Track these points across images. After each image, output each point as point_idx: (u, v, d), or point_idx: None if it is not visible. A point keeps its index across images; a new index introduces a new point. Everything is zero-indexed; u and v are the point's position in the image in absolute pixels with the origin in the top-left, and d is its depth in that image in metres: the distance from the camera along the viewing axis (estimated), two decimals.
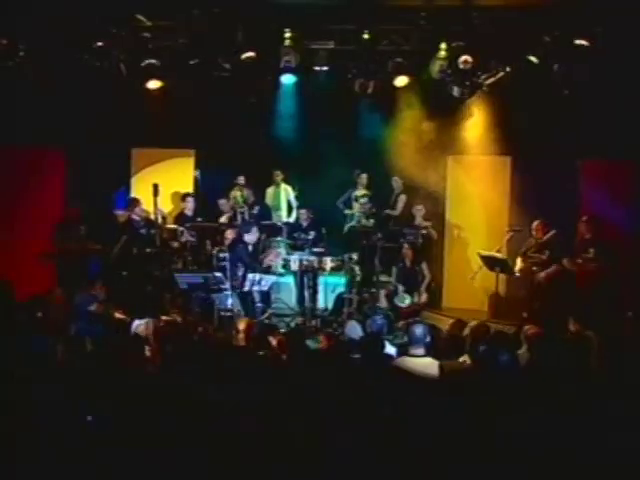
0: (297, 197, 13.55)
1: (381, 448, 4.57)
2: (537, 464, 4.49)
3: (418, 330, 6.68)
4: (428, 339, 6.66)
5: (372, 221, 12.95)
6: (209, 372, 5.88)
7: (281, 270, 12.33)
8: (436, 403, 5.19)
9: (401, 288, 12.25)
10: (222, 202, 13.09)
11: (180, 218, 12.56)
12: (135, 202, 12.21)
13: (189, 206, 12.61)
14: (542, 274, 11.61)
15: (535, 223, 11.75)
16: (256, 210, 13.07)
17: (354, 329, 8.43)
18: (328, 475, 4.48)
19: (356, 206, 13.24)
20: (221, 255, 11.58)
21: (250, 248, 11.70)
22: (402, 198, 13.31)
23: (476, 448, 4.58)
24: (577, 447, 4.60)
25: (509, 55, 11.39)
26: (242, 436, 4.69)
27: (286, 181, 13.62)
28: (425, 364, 6.48)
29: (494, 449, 4.59)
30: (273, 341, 7.69)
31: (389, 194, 13.44)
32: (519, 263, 11.83)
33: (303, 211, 13.22)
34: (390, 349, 7.45)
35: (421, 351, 6.63)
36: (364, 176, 13.29)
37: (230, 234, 11.94)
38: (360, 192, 13.28)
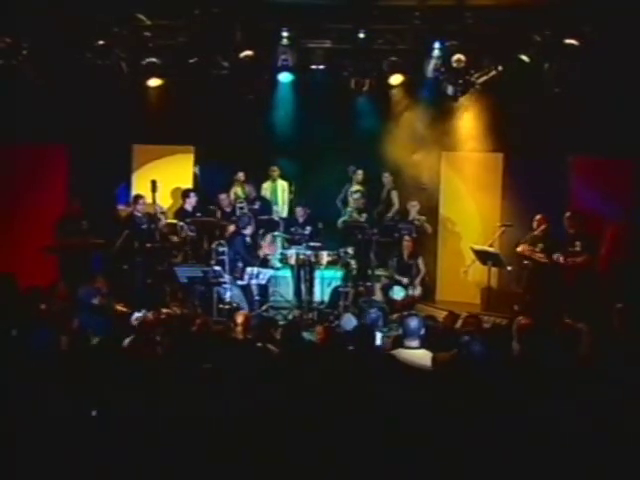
0: (293, 192, 13.68)
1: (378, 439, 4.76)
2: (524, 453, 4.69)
3: (412, 323, 6.78)
4: (422, 331, 6.79)
5: (365, 216, 13.15)
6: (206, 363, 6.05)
7: (278, 264, 12.54)
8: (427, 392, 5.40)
9: (403, 279, 12.46)
10: (223, 197, 13.21)
11: (180, 213, 12.74)
12: (138, 198, 12.41)
13: (192, 202, 12.80)
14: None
15: (538, 217, 12.04)
16: (257, 205, 13.20)
17: (350, 322, 8.58)
18: (326, 464, 4.63)
19: (350, 201, 13.42)
20: (220, 249, 11.79)
21: (248, 240, 11.93)
22: (395, 194, 13.45)
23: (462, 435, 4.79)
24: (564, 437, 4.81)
25: (501, 54, 11.55)
26: (239, 427, 4.83)
27: (282, 177, 13.81)
28: (419, 356, 6.60)
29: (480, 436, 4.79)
30: (277, 335, 7.87)
31: (382, 190, 13.63)
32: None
33: (299, 207, 13.38)
34: (379, 340, 7.63)
35: (416, 343, 6.75)
36: (360, 172, 13.46)
37: (231, 228, 12.17)
38: (355, 188, 13.47)
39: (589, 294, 10.95)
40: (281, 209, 13.74)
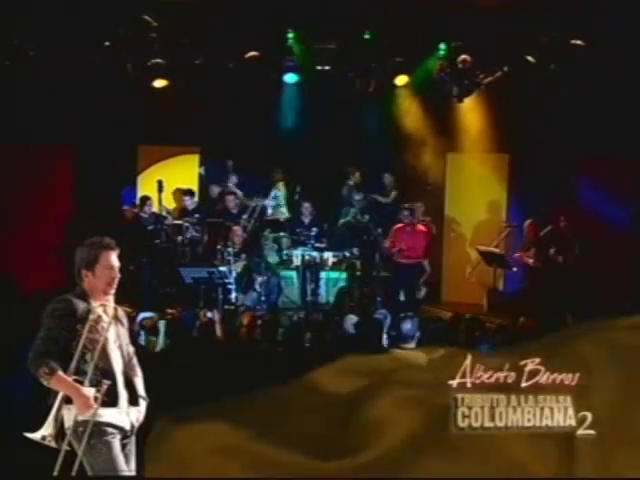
0: (294, 194, 13.66)
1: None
2: None
3: (406, 326, 6.77)
4: (417, 333, 6.77)
5: (367, 217, 13.12)
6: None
7: None
8: None
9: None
10: (230, 198, 12.88)
11: (181, 213, 12.76)
12: (145, 200, 12.45)
13: (189, 202, 12.80)
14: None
15: (527, 222, 12.01)
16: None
17: (351, 322, 8.58)
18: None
19: (350, 202, 13.27)
20: (226, 250, 11.78)
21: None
22: (392, 194, 13.31)
23: None
24: None
25: (507, 55, 11.61)
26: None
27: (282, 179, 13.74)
28: (416, 357, 6.65)
29: None
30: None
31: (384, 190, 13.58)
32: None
33: (307, 204, 13.21)
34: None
35: (411, 345, 6.74)
36: (357, 173, 13.22)
37: (239, 231, 12.04)
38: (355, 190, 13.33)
39: (595, 295, 10.96)
40: (286, 210, 13.60)
